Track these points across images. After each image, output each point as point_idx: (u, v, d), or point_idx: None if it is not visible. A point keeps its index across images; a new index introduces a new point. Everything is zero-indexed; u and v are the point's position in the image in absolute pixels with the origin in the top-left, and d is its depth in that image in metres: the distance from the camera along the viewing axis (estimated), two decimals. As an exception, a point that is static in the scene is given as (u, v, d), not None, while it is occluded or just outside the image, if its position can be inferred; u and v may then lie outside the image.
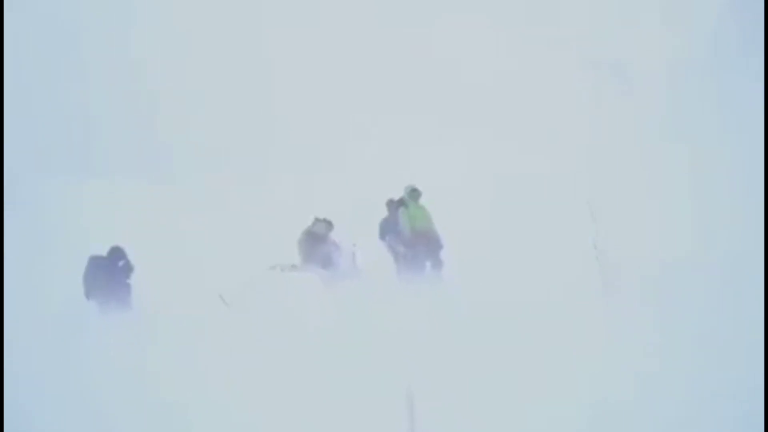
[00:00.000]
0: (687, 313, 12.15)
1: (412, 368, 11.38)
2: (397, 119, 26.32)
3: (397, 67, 27.22)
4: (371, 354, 12.33)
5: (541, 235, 18.46)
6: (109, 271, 17.17)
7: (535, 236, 18.43)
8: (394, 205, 17.93)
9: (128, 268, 17.33)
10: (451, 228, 17.78)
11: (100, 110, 27.07)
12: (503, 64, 27.47)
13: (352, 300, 16.36)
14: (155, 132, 26.67)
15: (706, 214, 17.83)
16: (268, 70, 26.99)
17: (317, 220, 18.21)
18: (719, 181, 20.87)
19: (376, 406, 10.54)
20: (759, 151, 20.88)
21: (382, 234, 18.01)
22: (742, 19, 26.49)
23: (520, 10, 28.08)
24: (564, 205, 19.52)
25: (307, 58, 27.09)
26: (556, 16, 28.12)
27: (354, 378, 11.59)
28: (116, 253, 17.35)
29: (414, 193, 17.77)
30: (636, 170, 23.35)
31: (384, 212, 18.13)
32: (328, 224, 18.20)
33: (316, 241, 18.10)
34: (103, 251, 17.40)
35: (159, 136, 26.61)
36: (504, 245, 18.08)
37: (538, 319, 13.23)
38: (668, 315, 12.29)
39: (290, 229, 18.30)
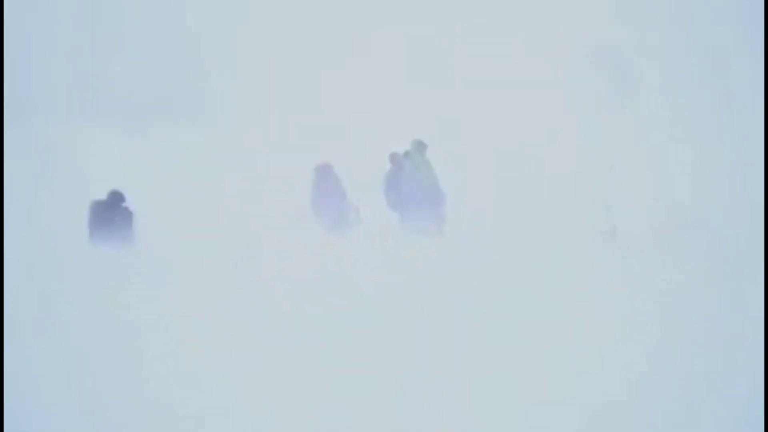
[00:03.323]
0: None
1: (413, 319, 11.30)
2: (405, 75, 26.40)
3: (405, 33, 27.32)
4: (372, 302, 12.27)
5: (543, 191, 18.54)
6: (110, 215, 17.16)
7: (538, 195, 18.51)
8: (399, 158, 18.01)
9: (129, 214, 17.29)
10: (454, 181, 17.85)
11: (107, 52, 26.94)
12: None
13: (355, 250, 16.34)
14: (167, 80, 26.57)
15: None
16: (283, 20, 26.92)
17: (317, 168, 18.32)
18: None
19: (377, 356, 10.44)
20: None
21: (387, 186, 18.05)
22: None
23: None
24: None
25: (323, 13, 27.11)
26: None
27: (355, 327, 11.49)
28: (115, 197, 17.32)
29: (419, 146, 17.83)
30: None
31: (388, 165, 18.20)
32: (328, 167, 18.33)
33: (322, 192, 18.18)
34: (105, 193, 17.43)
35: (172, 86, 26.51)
36: (506, 201, 18.16)
37: (541, 270, 13.19)
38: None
39: (293, 180, 18.36)
